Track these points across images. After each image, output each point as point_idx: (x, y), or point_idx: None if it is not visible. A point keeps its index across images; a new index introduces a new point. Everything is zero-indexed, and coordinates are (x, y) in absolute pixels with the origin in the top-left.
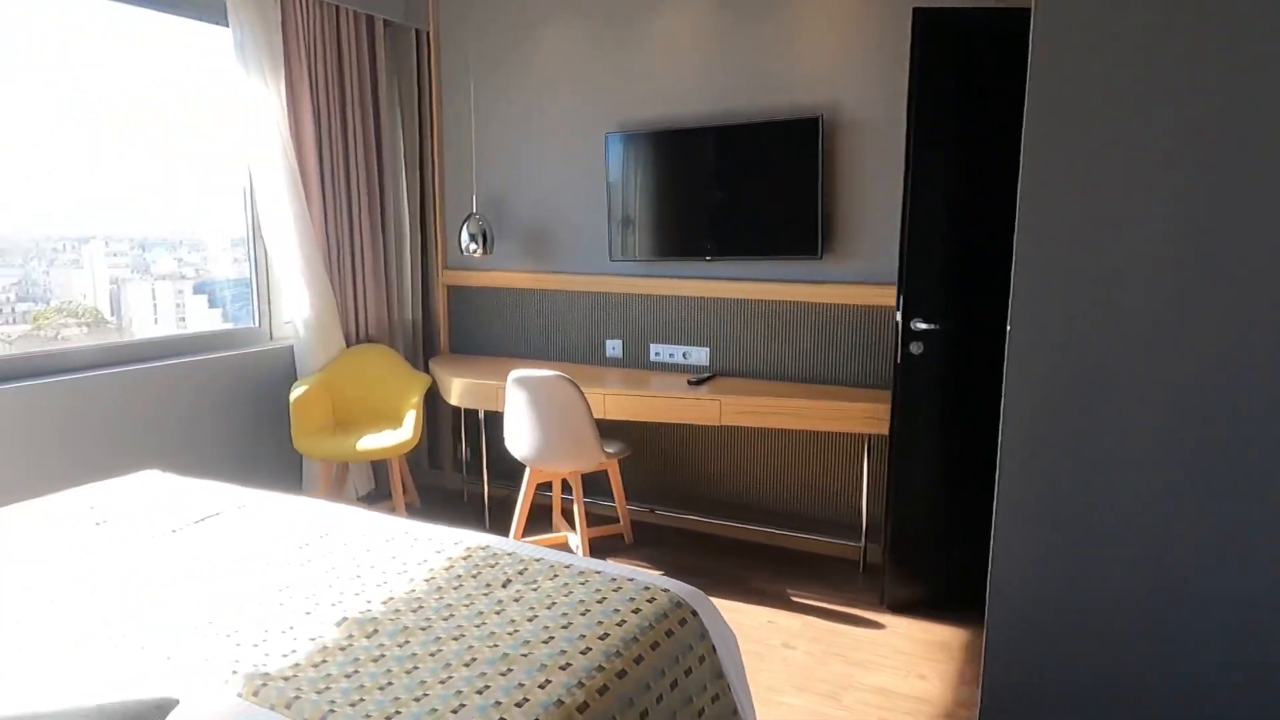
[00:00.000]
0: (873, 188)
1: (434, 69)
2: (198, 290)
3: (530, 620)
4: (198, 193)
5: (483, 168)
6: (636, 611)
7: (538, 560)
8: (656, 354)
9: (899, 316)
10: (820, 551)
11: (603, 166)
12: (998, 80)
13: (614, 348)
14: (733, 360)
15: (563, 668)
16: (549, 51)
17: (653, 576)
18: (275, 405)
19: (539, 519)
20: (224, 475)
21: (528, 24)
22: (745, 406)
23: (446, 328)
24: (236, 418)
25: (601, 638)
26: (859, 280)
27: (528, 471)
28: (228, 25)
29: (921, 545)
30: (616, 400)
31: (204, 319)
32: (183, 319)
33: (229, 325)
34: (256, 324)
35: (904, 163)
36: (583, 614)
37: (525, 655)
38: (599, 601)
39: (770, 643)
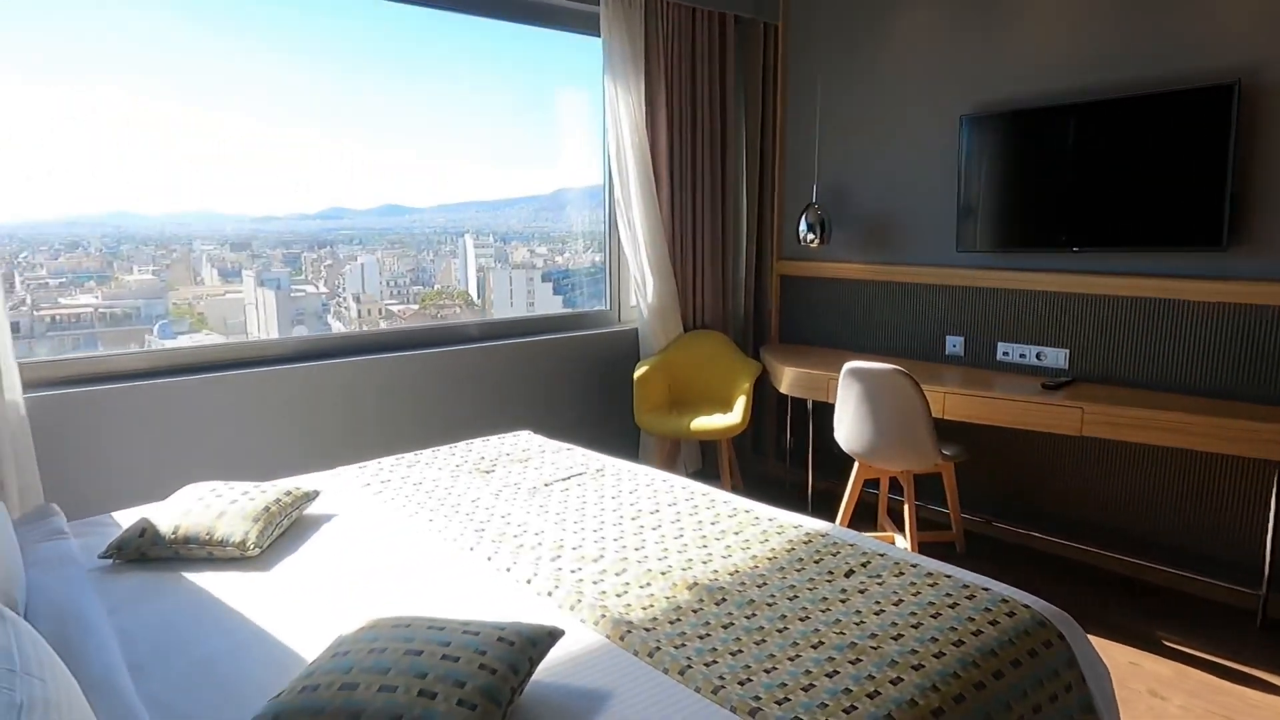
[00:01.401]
0: None
1: (781, 61)
2: (545, 278)
3: (877, 614)
4: (555, 187)
5: (825, 157)
6: (994, 624)
7: (881, 555)
8: (1004, 353)
9: None
10: (1200, 593)
11: (954, 151)
12: None
13: (955, 344)
14: (1097, 364)
15: (915, 667)
16: (901, 34)
17: (1011, 590)
18: (620, 381)
19: (862, 516)
20: (574, 439)
21: (880, 7)
22: (1113, 417)
23: (777, 317)
24: (587, 390)
25: (956, 644)
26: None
27: (855, 466)
28: (598, 35)
29: None
30: (958, 400)
31: (548, 304)
32: (531, 304)
33: (584, 309)
34: (607, 307)
35: None
36: (933, 616)
37: (875, 648)
38: (950, 607)
39: (1134, 687)
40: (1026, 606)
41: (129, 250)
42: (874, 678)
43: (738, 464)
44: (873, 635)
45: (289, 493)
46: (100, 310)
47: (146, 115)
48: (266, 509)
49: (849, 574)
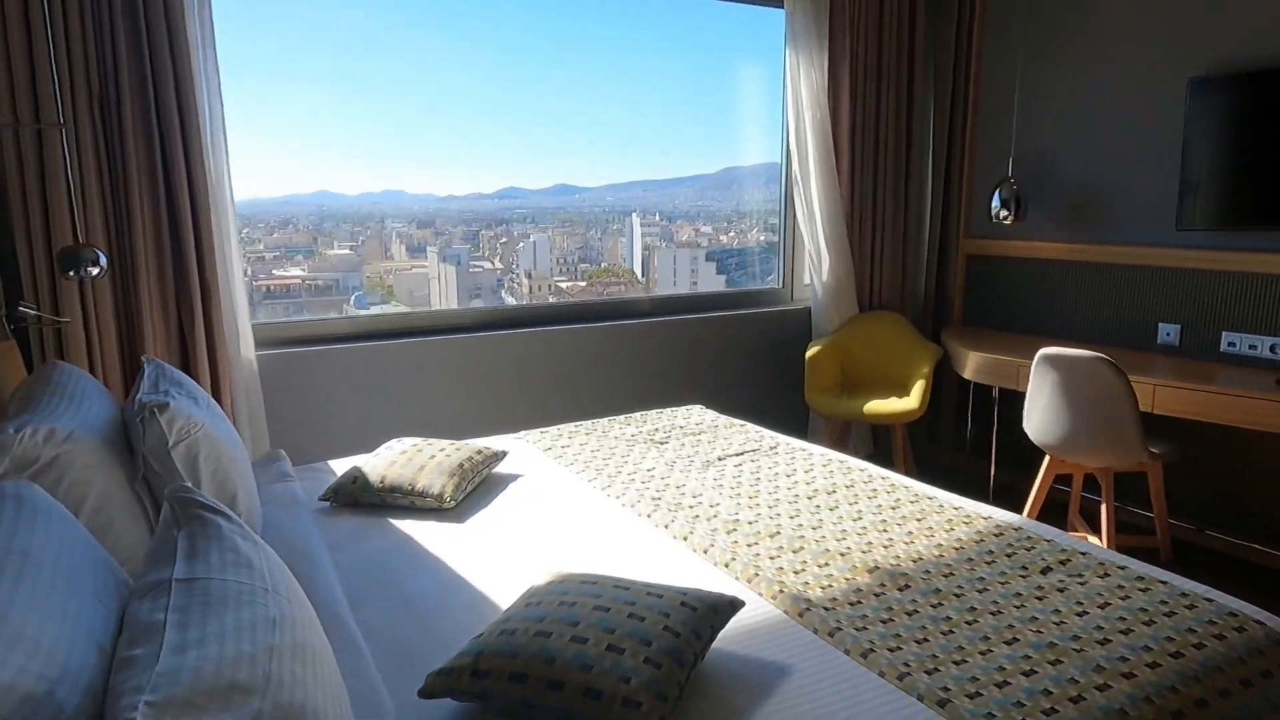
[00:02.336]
0: None
1: (976, 27)
2: (709, 257)
3: (1080, 615)
4: (721, 165)
5: (1023, 129)
6: (1220, 638)
7: (1083, 554)
8: (1230, 343)
9: None
10: None
11: (1177, 119)
12: None
13: (1169, 333)
14: None
15: (1125, 675)
16: None
17: (1240, 603)
18: (790, 360)
19: (1049, 514)
20: (742, 417)
21: None
22: None
23: (962, 298)
24: (757, 367)
25: (1174, 655)
26: None
27: (1046, 460)
28: (780, 7)
29: None
30: (1170, 393)
31: (711, 282)
32: (694, 282)
33: (754, 287)
34: (780, 285)
35: None
36: (1146, 624)
37: (1078, 651)
38: (1167, 615)
39: None
40: (1259, 623)
41: (330, 227)
42: (1077, 681)
43: (912, 451)
44: (1075, 637)
45: (480, 451)
46: (306, 281)
47: (345, 104)
48: (461, 465)
49: (1045, 571)
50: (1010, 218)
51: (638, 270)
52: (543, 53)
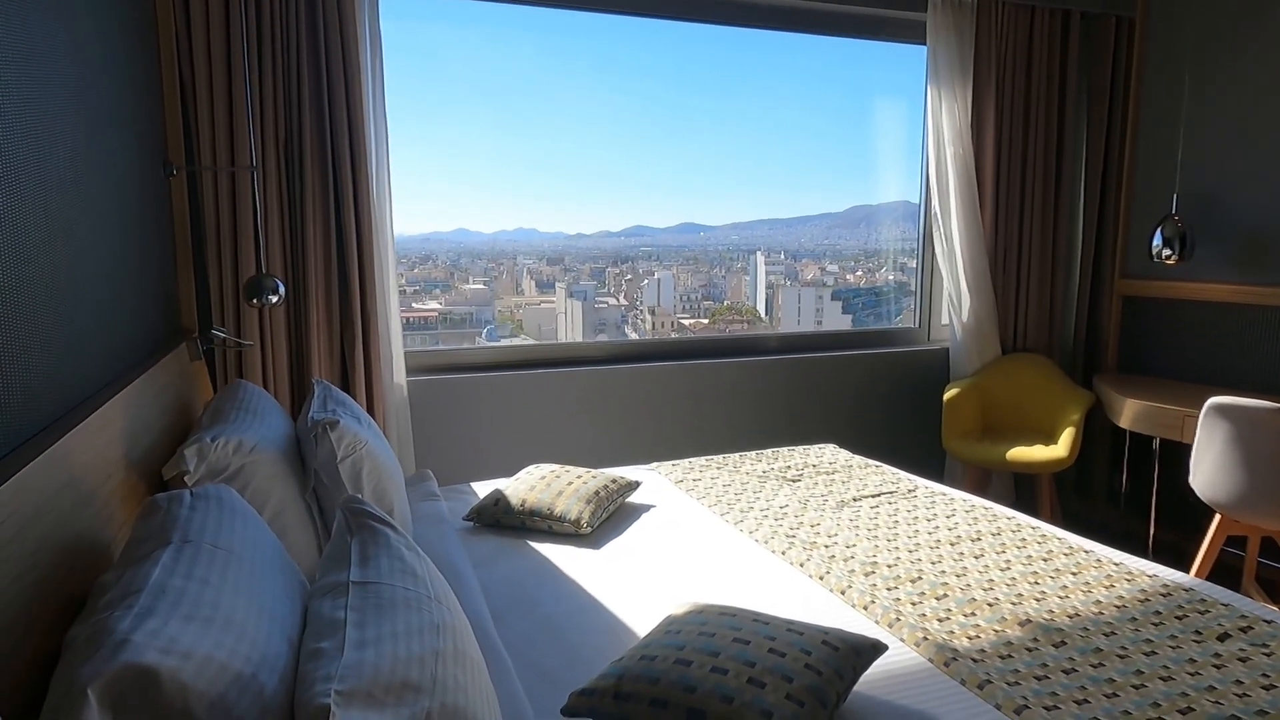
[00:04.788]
0: None
1: (1135, 57)
2: (834, 296)
3: (1266, 689)
4: (849, 204)
5: (1189, 163)
6: None
7: (1268, 622)
8: None
9: None
10: None
11: None
12: None
13: None
14: None
15: None
16: None
17: None
18: (927, 403)
19: (1219, 580)
20: (875, 458)
21: None
22: None
23: (1116, 342)
24: (891, 408)
25: None
26: None
27: (1216, 519)
28: (921, 44)
29: None
30: None
31: (836, 322)
32: (819, 321)
33: (888, 326)
34: (916, 325)
35: None
36: None
37: None
38: None
39: None
40: None
41: (466, 263)
42: None
43: (1059, 503)
44: (1262, 712)
45: (615, 480)
46: (442, 314)
47: (484, 145)
48: (597, 493)
49: (1223, 638)
50: (1174, 257)
51: (761, 309)
52: (673, 92)
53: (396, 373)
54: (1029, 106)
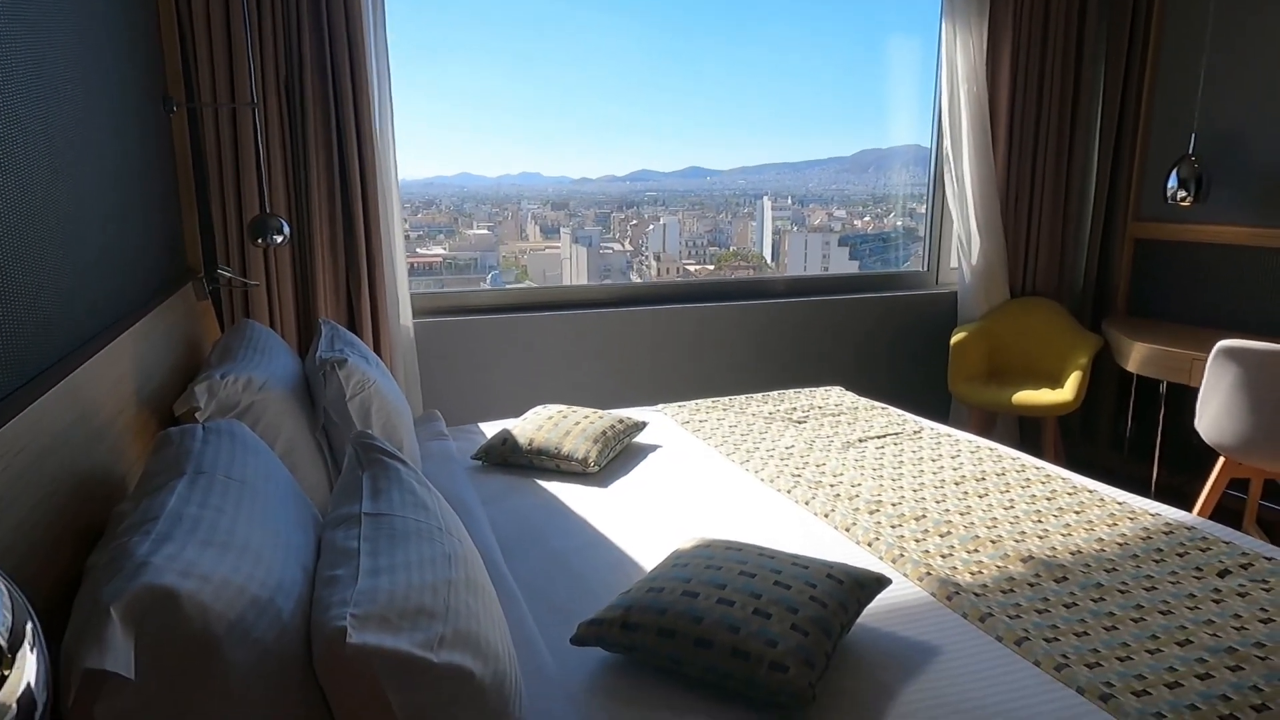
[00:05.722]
0: None
1: None
2: (841, 242)
3: (1264, 622)
4: (857, 148)
5: (1210, 101)
6: None
7: (1269, 559)
8: None
9: None
10: None
11: None
12: None
13: None
14: None
15: None
16: None
17: None
18: (934, 346)
19: (1220, 520)
20: (882, 400)
21: None
22: None
23: (1127, 286)
24: (898, 351)
25: None
26: None
27: (1221, 461)
28: None
29: None
30: None
31: (842, 269)
32: (826, 268)
33: (897, 269)
34: (925, 268)
35: None
36: None
37: (1262, 659)
38: None
39: None
40: None
41: (470, 208)
42: (1261, 690)
43: (1063, 447)
44: (1259, 644)
45: (621, 421)
46: (446, 259)
47: (487, 88)
48: (604, 433)
49: (1223, 574)
50: (1189, 199)
51: (767, 254)
52: (679, 33)
53: (403, 314)
54: (1046, 43)
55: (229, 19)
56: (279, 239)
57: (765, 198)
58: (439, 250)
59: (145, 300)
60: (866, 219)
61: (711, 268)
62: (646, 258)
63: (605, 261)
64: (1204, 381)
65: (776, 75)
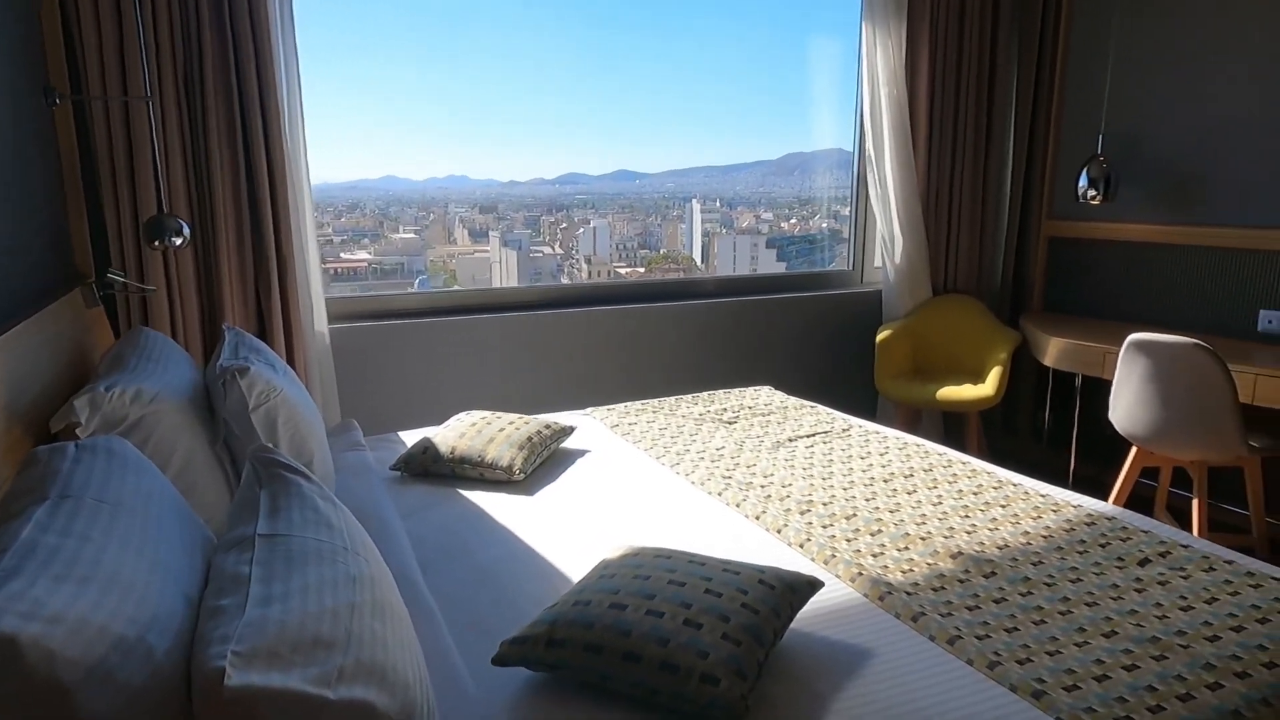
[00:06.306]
0: None
1: None
2: (769, 244)
3: (1184, 610)
4: (783, 151)
5: (1115, 104)
6: None
7: (1185, 546)
8: None
9: None
10: None
11: None
12: None
13: (1272, 320)
14: None
15: (1239, 675)
16: None
17: None
18: (860, 344)
19: (1134, 509)
20: (810, 399)
21: None
22: None
23: (1042, 282)
24: (825, 350)
25: None
26: None
27: (1133, 451)
28: None
29: None
30: (1273, 384)
31: (771, 270)
32: (754, 269)
33: (823, 269)
34: (850, 268)
35: None
36: (1260, 622)
37: (1184, 647)
38: None
39: None
40: None
41: (396, 212)
42: (1185, 679)
43: (985, 440)
44: (1180, 633)
45: (548, 426)
46: (371, 264)
47: (412, 89)
48: (530, 439)
49: (1143, 563)
50: (1099, 198)
51: (697, 256)
52: (605, 36)
53: (318, 320)
54: (962, 46)
55: (119, 6)
56: (178, 241)
57: (694, 200)
58: (364, 255)
59: (22, 306)
60: (793, 221)
61: (642, 270)
62: (577, 261)
63: (535, 265)
64: (1116, 374)
65: (704, 78)
